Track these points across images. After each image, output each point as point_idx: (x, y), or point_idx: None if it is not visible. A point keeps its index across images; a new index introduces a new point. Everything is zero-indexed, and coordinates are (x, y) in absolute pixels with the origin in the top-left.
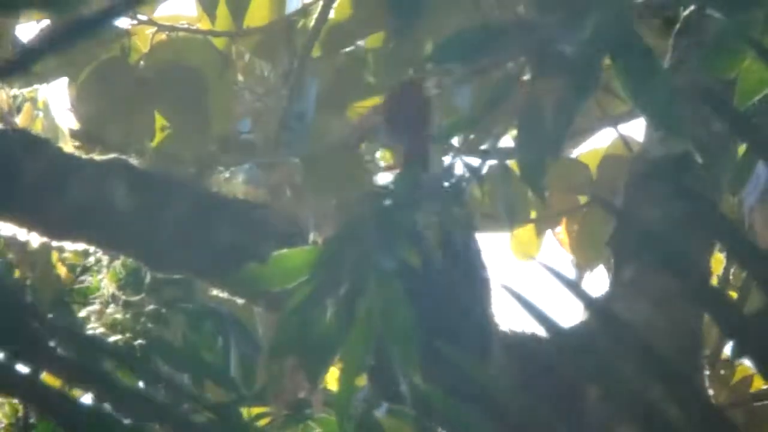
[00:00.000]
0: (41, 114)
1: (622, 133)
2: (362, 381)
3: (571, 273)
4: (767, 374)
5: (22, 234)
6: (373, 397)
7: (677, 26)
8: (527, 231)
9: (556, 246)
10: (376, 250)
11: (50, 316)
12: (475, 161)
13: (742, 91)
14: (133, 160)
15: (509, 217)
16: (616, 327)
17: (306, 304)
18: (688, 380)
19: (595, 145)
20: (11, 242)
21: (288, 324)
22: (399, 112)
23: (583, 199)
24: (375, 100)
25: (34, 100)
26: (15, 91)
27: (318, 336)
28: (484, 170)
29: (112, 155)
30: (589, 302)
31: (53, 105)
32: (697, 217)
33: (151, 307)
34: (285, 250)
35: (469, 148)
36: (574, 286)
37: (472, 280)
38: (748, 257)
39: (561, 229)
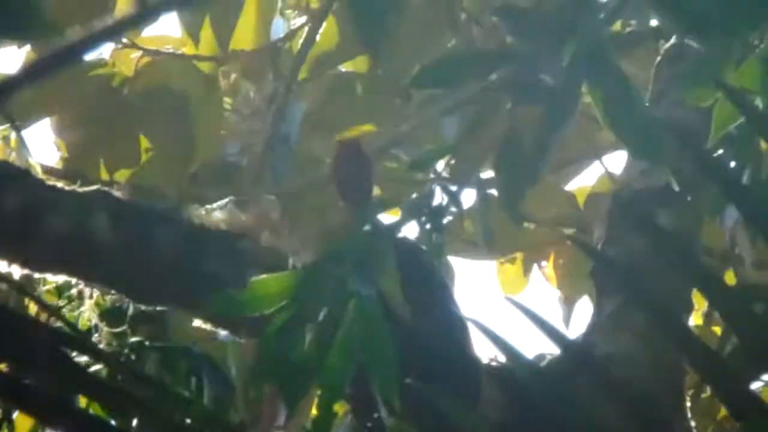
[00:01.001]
0: (14, 153)
1: (608, 170)
2: (343, 409)
3: (557, 308)
4: (738, 416)
5: (1, 267)
6: (355, 429)
7: (659, 58)
8: (514, 266)
9: (543, 281)
10: (355, 276)
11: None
12: (456, 189)
13: (715, 123)
14: (116, 192)
15: (489, 245)
16: (592, 367)
17: (285, 329)
18: (667, 422)
19: (582, 182)
20: None
21: (267, 350)
22: (342, 170)
23: (570, 232)
24: (363, 125)
25: (6, 139)
26: None
27: (297, 362)
28: (467, 198)
29: (93, 187)
30: (562, 341)
31: (28, 145)
32: (672, 258)
33: (134, 339)
34: (264, 276)
35: (452, 176)
36: (546, 326)
37: (449, 316)
38: (720, 300)
39: (547, 264)
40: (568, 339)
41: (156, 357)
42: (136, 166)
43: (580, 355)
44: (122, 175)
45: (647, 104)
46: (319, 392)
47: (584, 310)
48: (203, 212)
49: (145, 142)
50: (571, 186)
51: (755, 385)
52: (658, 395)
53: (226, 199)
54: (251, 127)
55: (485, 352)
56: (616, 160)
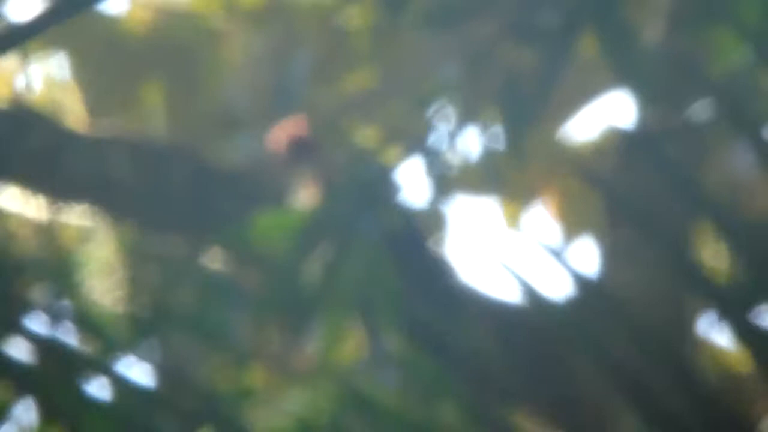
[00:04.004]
0: (42, 86)
1: (615, 125)
2: (352, 342)
3: (557, 242)
4: (743, 343)
5: (24, 202)
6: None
7: None
8: (517, 200)
9: (544, 215)
10: (360, 214)
11: (51, 286)
12: (458, 130)
13: (719, 54)
14: (133, 132)
15: (493, 183)
16: (603, 298)
17: (291, 264)
18: (676, 353)
19: (584, 135)
20: (15, 216)
21: (274, 283)
22: (291, 149)
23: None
24: (365, 73)
25: (36, 74)
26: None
27: (302, 295)
28: (469, 139)
29: (112, 128)
30: (575, 273)
31: (57, 78)
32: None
33: (155, 276)
34: (271, 211)
35: (453, 117)
36: (560, 257)
37: (422, 245)
38: (731, 232)
39: (548, 198)
40: (575, 268)
41: (187, 286)
42: (142, 114)
43: (590, 288)
44: (131, 121)
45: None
46: (325, 323)
47: (586, 245)
48: (220, 150)
49: (153, 95)
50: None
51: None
52: (667, 324)
53: (242, 136)
54: (255, 78)
55: (499, 289)
56: (610, 102)
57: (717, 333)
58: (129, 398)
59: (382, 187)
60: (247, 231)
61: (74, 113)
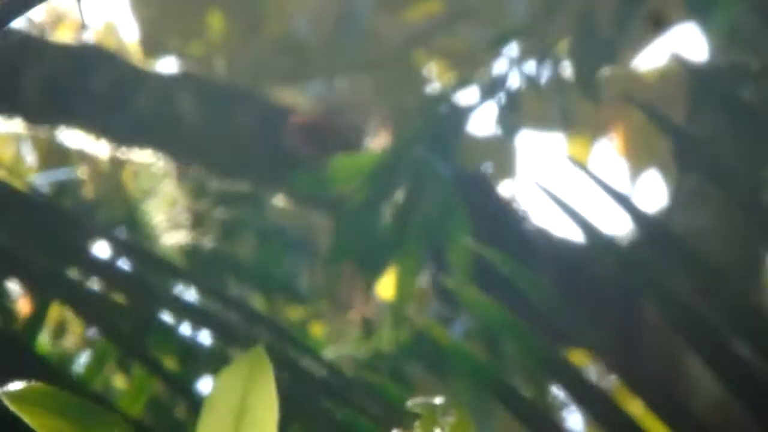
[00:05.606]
0: (102, 22)
1: (678, 54)
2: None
3: (625, 177)
4: None
5: (91, 144)
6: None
7: None
8: (583, 138)
9: (611, 151)
10: (432, 156)
11: (117, 232)
12: (531, 69)
13: None
14: (197, 72)
15: (563, 122)
16: (667, 239)
17: (363, 207)
18: (744, 296)
19: (651, 63)
20: (83, 157)
21: (344, 228)
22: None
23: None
24: (432, 4)
25: (95, 10)
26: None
27: (374, 240)
28: (541, 78)
29: (177, 69)
30: (639, 214)
31: (118, 18)
32: (753, 133)
33: (219, 216)
34: (343, 155)
35: (525, 57)
36: (623, 199)
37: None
38: None
39: (615, 135)
40: (642, 212)
41: (251, 235)
42: (204, 40)
43: (653, 227)
44: (193, 48)
45: None
46: (397, 268)
47: (653, 181)
48: (289, 92)
49: (215, 19)
50: (639, 64)
51: None
52: (736, 268)
53: (313, 80)
54: (320, 3)
55: (556, 225)
56: (680, 37)
57: None
58: (191, 322)
59: (451, 126)
60: (319, 174)
61: (135, 50)
